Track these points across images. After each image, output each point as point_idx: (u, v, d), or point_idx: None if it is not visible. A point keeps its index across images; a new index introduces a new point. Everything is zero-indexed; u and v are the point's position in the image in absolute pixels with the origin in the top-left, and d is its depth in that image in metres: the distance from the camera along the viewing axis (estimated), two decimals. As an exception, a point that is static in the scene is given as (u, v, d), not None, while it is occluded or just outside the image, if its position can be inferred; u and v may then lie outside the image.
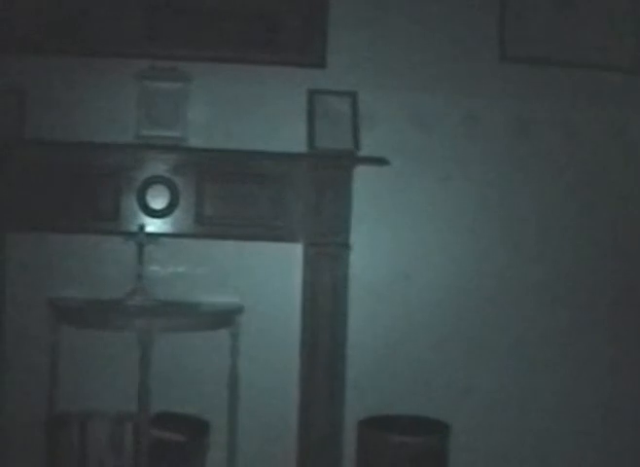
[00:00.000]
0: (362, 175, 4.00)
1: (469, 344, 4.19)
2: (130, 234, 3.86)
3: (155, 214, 3.91)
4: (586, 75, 4.16)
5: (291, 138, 4.02)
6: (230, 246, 4.02)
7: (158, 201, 3.91)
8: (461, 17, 4.14)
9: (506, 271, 4.20)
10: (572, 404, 4.24)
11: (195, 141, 3.96)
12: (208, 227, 3.96)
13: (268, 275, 4.07)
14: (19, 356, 3.91)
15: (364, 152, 4.01)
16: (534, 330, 4.23)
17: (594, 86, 4.18)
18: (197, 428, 3.91)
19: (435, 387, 4.15)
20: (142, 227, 3.86)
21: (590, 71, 4.16)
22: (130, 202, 3.90)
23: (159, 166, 3.92)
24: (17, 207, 3.85)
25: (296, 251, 4.03)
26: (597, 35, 4.18)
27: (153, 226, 3.91)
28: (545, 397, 4.22)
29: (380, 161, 3.93)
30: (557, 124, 4.19)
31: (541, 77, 4.15)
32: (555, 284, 4.24)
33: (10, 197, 3.83)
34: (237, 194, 3.96)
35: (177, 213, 3.93)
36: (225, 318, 3.92)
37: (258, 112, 4.03)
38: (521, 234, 4.20)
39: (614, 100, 4.19)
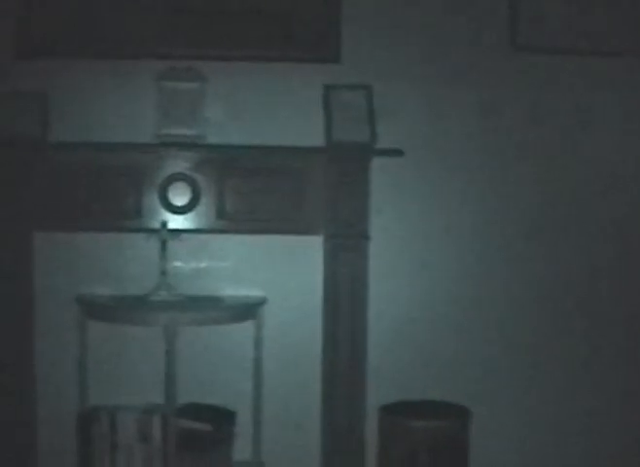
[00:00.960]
0: (379, 167, 4.04)
1: (488, 331, 4.23)
2: (153, 231, 3.94)
3: (177, 211, 3.97)
4: (601, 62, 4.14)
5: (308, 133, 4.05)
6: (251, 240, 4.08)
7: (179, 198, 3.97)
8: (473, 6, 4.14)
9: (525, 259, 4.23)
10: (593, 388, 4.26)
11: (213, 138, 4.01)
12: (229, 222, 4.02)
13: (290, 268, 4.13)
14: (50, 351, 4.01)
15: (380, 144, 4.03)
16: (554, 316, 4.26)
17: (609, 73, 4.16)
18: (223, 418, 4.00)
19: (455, 373, 4.19)
20: (164, 223, 3.93)
21: (605, 58, 4.13)
22: (152, 200, 3.97)
23: (179, 164, 3.99)
24: (43, 208, 3.93)
25: (316, 243, 4.08)
26: (611, 22, 4.15)
27: (175, 222, 3.97)
28: (566, 381, 4.26)
29: (396, 153, 3.96)
30: (572, 112, 4.19)
31: (555, 65, 4.15)
32: (576, 271, 4.26)
33: (36, 197, 3.92)
34: (257, 188, 4.00)
35: (198, 209, 3.99)
36: (248, 311, 4.00)
37: (274, 108, 4.07)
38: (539, 223, 4.22)
39: (629, 88, 4.18)
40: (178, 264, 4.05)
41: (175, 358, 3.73)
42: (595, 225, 4.25)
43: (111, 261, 4.05)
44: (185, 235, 3.98)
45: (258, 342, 4.05)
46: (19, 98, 3.91)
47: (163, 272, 3.94)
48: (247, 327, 4.01)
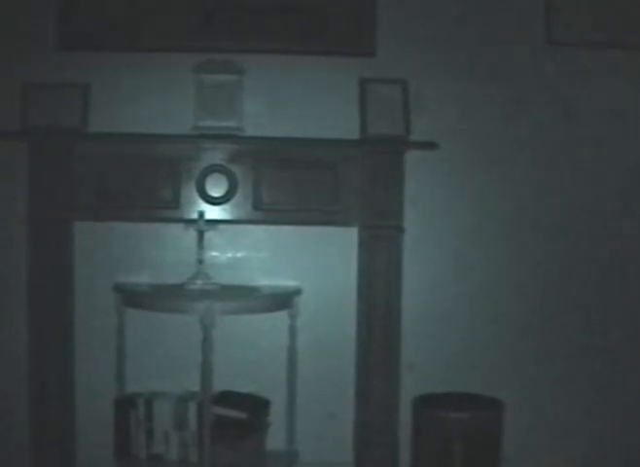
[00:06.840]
0: (413, 160, 4.06)
1: (522, 322, 4.24)
2: (191, 222, 4.00)
3: (214, 202, 4.03)
4: (634, 57, 4.14)
5: (344, 125, 4.10)
6: (286, 231, 4.13)
7: (216, 189, 4.03)
8: (508, 2, 4.17)
9: (560, 250, 4.24)
10: (628, 379, 4.26)
11: (250, 131, 4.06)
12: (265, 213, 4.06)
13: (325, 259, 4.17)
14: (89, 338, 4.08)
15: (414, 137, 4.07)
16: (591, 307, 4.25)
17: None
18: (258, 406, 4.04)
19: (488, 365, 4.21)
20: (202, 214, 3.98)
21: (637, 53, 4.14)
22: (190, 191, 4.03)
23: (216, 156, 4.04)
24: (83, 198, 3.99)
25: (351, 235, 4.12)
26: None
27: (212, 213, 4.03)
28: (598, 373, 4.26)
29: (431, 146, 4.00)
30: (605, 107, 4.19)
31: (588, 60, 4.15)
32: (613, 265, 4.26)
33: (77, 188, 3.99)
34: (293, 180, 4.05)
35: (235, 200, 4.04)
36: (283, 300, 4.04)
37: (310, 101, 4.12)
38: (571, 216, 4.23)
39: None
40: (215, 254, 4.11)
41: (211, 346, 3.77)
42: (633, 215, 4.26)
43: (149, 250, 4.12)
44: (222, 226, 4.03)
45: (292, 332, 4.08)
46: (61, 89, 4.00)
47: (200, 262, 3.99)
48: (282, 316, 4.04)
